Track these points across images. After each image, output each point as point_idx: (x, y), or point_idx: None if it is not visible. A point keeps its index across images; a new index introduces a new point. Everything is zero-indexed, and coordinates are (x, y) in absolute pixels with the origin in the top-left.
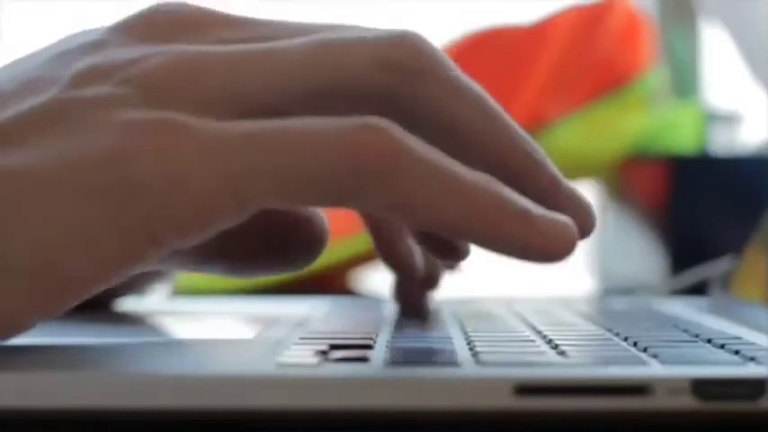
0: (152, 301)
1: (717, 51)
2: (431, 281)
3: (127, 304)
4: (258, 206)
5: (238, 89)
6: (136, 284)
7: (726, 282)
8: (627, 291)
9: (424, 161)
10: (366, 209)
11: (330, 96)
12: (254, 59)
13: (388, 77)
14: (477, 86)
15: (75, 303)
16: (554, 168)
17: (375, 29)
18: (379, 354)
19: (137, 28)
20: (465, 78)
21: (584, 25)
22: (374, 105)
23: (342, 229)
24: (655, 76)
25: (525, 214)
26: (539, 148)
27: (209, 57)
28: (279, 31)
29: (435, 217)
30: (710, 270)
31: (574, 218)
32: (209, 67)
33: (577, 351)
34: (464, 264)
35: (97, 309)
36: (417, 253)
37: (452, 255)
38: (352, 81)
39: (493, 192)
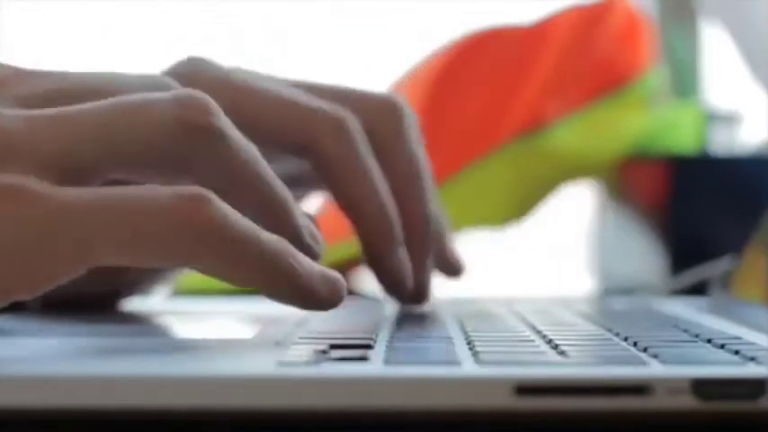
0: (153, 302)
1: (717, 51)
2: (420, 296)
3: (131, 304)
4: (100, 265)
5: (66, 151)
6: (140, 285)
7: (726, 282)
8: (627, 291)
9: (240, 231)
10: (193, 269)
11: (136, 160)
12: (55, 126)
13: (181, 138)
14: (246, 147)
15: None
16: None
17: (168, 84)
18: (379, 354)
19: None
20: (241, 139)
21: (584, 25)
22: (178, 167)
23: (342, 231)
24: (655, 76)
25: (308, 274)
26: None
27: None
28: (75, 89)
29: (247, 279)
30: (710, 270)
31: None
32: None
33: (577, 351)
34: (460, 276)
35: (102, 309)
36: (408, 269)
37: (451, 270)
38: (149, 144)
39: (289, 253)
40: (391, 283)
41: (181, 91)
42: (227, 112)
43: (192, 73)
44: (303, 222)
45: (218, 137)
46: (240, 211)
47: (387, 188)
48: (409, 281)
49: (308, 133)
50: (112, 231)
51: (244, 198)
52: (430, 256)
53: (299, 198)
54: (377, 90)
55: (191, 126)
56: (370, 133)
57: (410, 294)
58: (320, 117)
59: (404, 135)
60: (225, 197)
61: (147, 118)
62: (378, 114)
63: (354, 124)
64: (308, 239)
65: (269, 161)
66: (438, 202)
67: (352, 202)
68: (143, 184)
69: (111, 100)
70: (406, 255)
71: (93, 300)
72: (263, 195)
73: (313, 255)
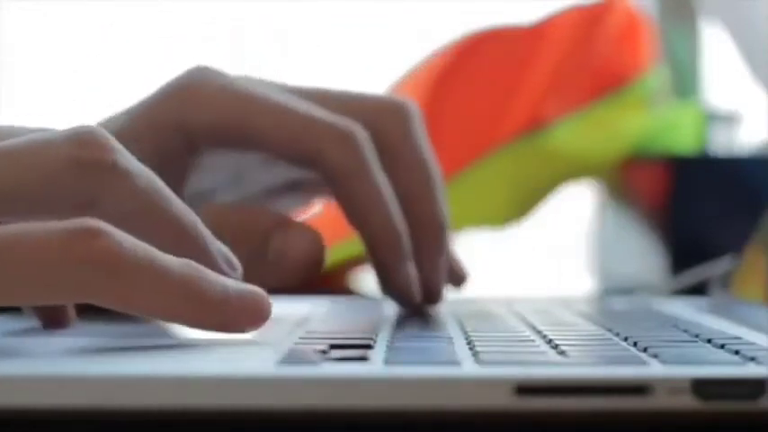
0: None
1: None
2: (433, 298)
3: None
4: None
5: None
6: None
7: (726, 282)
8: (627, 291)
9: (135, 260)
10: (91, 302)
11: (33, 206)
12: None
13: (78, 177)
14: (147, 178)
15: None
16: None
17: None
18: (379, 354)
19: None
20: (140, 168)
21: (583, 25)
22: (79, 206)
23: (342, 231)
24: (655, 76)
25: (223, 295)
26: (195, 227)
27: None
28: None
29: (152, 309)
30: (710, 270)
31: None
32: None
33: (577, 351)
34: (464, 284)
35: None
36: (415, 281)
37: (454, 279)
38: (43, 187)
39: (196, 277)
40: (399, 294)
41: (73, 129)
42: (234, 124)
43: (199, 83)
44: (215, 248)
45: (117, 170)
46: (148, 241)
47: (395, 200)
48: (416, 292)
49: (315, 145)
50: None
51: (151, 229)
52: (444, 257)
53: (300, 205)
54: (383, 94)
55: (86, 163)
56: (378, 138)
57: (422, 298)
58: (327, 129)
59: (412, 138)
60: (132, 230)
61: (40, 161)
62: (385, 119)
63: (362, 135)
64: (223, 264)
65: (272, 165)
66: (447, 205)
67: (359, 214)
68: None
69: (2, 144)
70: (413, 267)
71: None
72: (170, 224)
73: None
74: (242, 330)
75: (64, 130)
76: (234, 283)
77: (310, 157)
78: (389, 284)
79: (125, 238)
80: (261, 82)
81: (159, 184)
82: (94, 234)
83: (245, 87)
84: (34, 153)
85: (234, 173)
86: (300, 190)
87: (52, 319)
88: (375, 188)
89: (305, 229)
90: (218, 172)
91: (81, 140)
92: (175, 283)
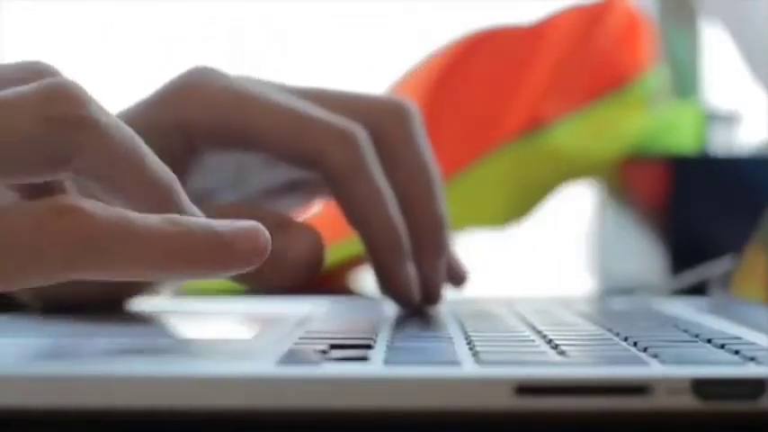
0: (153, 302)
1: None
2: (432, 299)
3: (135, 305)
4: None
5: None
6: (143, 286)
7: (726, 282)
8: (627, 291)
9: (110, 228)
10: (77, 278)
11: (7, 160)
12: None
13: (51, 133)
14: (122, 133)
15: None
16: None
17: (36, 70)
18: (379, 354)
19: None
20: (114, 121)
21: (583, 25)
22: (53, 164)
23: (341, 231)
24: (655, 76)
25: (212, 236)
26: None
27: None
28: None
29: (139, 271)
30: (710, 270)
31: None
32: None
33: (577, 351)
34: (464, 284)
35: (107, 310)
36: (414, 282)
37: (454, 279)
38: (16, 146)
39: (177, 228)
40: (398, 294)
41: (44, 82)
42: (235, 125)
43: (199, 83)
44: (190, 209)
45: (89, 124)
46: (122, 196)
47: (394, 201)
48: (415, 293)
49: (315, 146)
50: None
51: (125, 182)
52: (443, 258)
53: (300, 205)
54: (382, 94)
55: (57, 119)
56: (378, 139)
57: (422, 298)
58: (327, 129)
59: (412, 139)
60: (106, 184)
61: (10, 119)
62: (385, 119)
63: (362, 135)
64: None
65: (273, 165)
66: (446, 205)
67: (359, 215)
68: (19, 188)
69: None
70: (413, 268)
71: (96, 303)
72: (146, 180)
73: None
74: (243, 266)
75: (35, 85)
76: (221, 223)
77: (310, 158)
78: (389, 285)
79: (98, 207)
80: (261, 82)
81: (134, 138)
82: (66, 210)
83: (246, 87)
84: (2, 110)
85: (234, 173)
86: (300, 190)
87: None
88: (375, 189)
89: (305, 229)
90: (219, 172)
91: (51, 95)
92: (156, 241)
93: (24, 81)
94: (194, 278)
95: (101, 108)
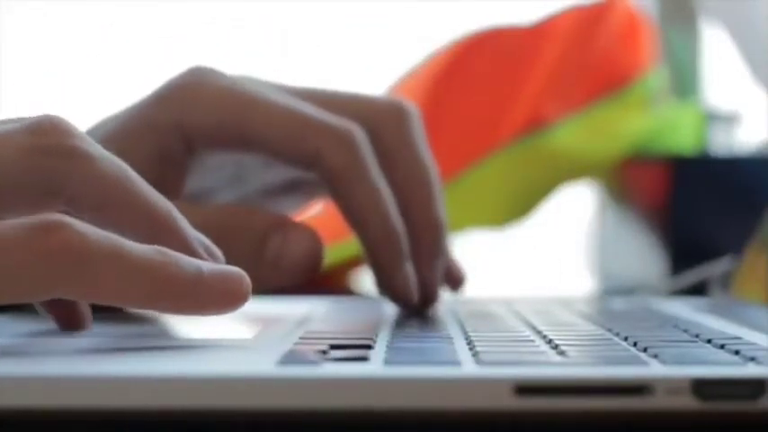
0: None
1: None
2: (429, 300)
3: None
4: None
5: None
6: None
7: (726, 282)
8: (627, 291)
9: (100, 250)
10: (59, 297)
11: None
12: None
13: (41, 165)
14: (113, 163)
15: None
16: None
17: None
18: (379, 354)
19: None
20: (103, 153)
21: (584, 25)
22: (45, 196)
23: (342, 231)
24: (655, 76)
25: (197, 276)
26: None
27: None
28: None
29: (122, 297)
30: (710, 270)
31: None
32: None
33: (577, 351)
34: (463, 287)
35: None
36: (413, 282)
37: (452, 281)
38: (7, 179)
39: (164, 261)
40: (396, 296)
41: (32, 118)
42: (233, 125)
43: (198, 83)
44: (192, 234)
45: (77, 155)
46: (118, 227)
47: (393, 201)
48: (414, 294)
49: (313, 146)
50: None
51: (121, 216)
52: (441, 259)
53: (299, 205)
54: (381, 95)
55: (49, 150)
56: (377, 139)
57: (420, 299)
58: (326, 130)
59: (411, 141)
60: (98, 214)
61: (0, 153)
62: (384, 120)
63: (360, 135)
64: (200, 249)
65: (272, 165)
66: (444, 207)
67: (357, 215)
68: (11, 218)
69: None
70: (411, 268)
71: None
72: (141, 210)
73: None
74: (219, 312)
75: (24, 120)
76: (208, 265)
77: (308, 158)
78: (387, 285)
79: (88, 228)
80: (259, 82)
81: (125, 168)
82: (56, 227)
83: (244, 88)
84: None
85: (233, 172)
86: (300, 190)
87: (67, 321)
88: (373, 189)
89: (303, 229)
90: (218, 172)
91: (40, 128)
92: (143, 270)
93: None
94: (169, 313)
95: (89, 140)
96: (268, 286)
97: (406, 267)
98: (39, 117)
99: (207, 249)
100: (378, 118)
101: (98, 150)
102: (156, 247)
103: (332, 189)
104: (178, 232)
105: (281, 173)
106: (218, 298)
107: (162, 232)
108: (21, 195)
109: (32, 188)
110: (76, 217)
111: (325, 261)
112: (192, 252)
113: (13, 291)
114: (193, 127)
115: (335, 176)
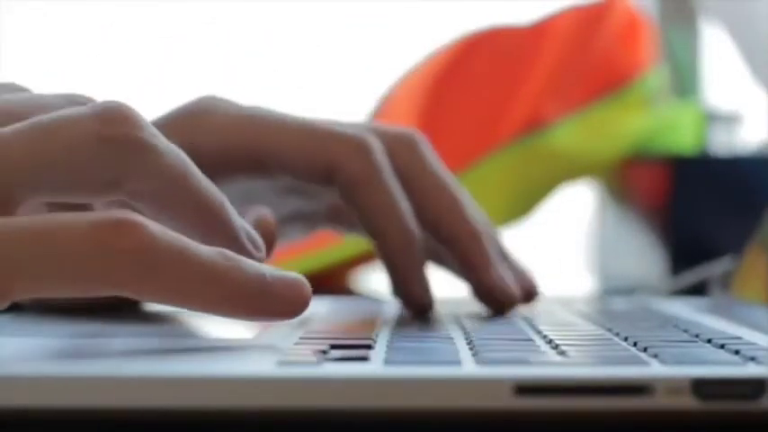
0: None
1: (717, 51)
2: (507, 305)
3: (140, 304)
4: (20, 298)
5: None
6: None
7: (726, 282)
8: (627, 291)
9: (170, 253)
10: (126, 295)
11: (60, 183)
12: None
13: (105, 154)
14: (177, 157)
15: None
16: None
17: (84, 99)
18: (379, 354)
19: None
20: (168, 145)
21: (583, 25)
22: (107, 184)
23: None
24: (655, 76)
25: (260, 282)
26: (223, 210)
27: None
28: None
29: (185, 301)
30: (710, 270)
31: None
32: None
33: (577, 351)
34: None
35: (110, 308)
36: (430, 290)
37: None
38: (71, 165)
39: (229, 266)
40: (413, 301)
41: (100, 104)
42: (246, 147)
43: (207, 110)
44: (241, 226)
45: (143, 147)
46: (175, 220)
47: (409, 207)
48: (430, 298)
49: (330, 158)
50: (32, 268)
51: (177, 206)
52: (494, 264)
53: (302, 235)
54: (389, 125)
55: (113, 140)
56: (395, 162)
57: (492, 307)
58: (341, 140)
59: (429, 161)
60: (158, 207)
61: (67, 138)
62: (399, 144)
63: (376, 145)
64: (248, 244)
65: (280, 194)
66: (483, 217)
67: (375, 222)
68: (73, 204)
69: (27, 122)
70: (427, 275)
71: (97, 304)
72: (197, 201)
73: (253, 259)
74: (283, 318)
75: (91, 105)
76: (271, 270)
77: (325, 170)
78: (405, 291)
79: (159, 229)
80: (268, 108)
81: (187, 161)
82: (130, 226)
83: (254, 111)
84: (60, 129)
85: (240, 203)
86: (303, 221)
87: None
88: (390, 195)
89: (255, 208)
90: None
91: (108, 116)
92: (209, 275)
93: (73, 101)
94: (230, 317)
95: (155, 131)
96: None
97: (423, 273)
98: (108, 104)
99: (252, 240)
100: (391, 141)
101: (163, 143)
102: (221, 250)
103: (349, 198)
104: (230, 226)
105: (289, 203)
106: (281, 304)
107: (215, 225)
108: (84, 183)
109: (97, 177)
110: (133, 206)
111: (276, 241)
112: (241, 247)
113: (79, 286)
114: (203, 151)
115: (353, 185)
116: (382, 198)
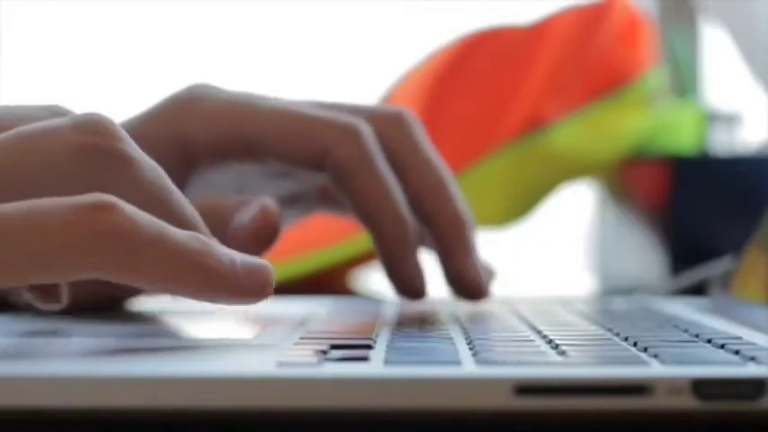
0: (154, 302)
1: (717, 51)
2: (479, 293)
3: (139, 303)
4: (3, 286)
5: None
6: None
7: (726, 282)
8: (627, 291)
9: (148, 233)
10: (98, 278)
11: (37, 190)
12: None
13: (84, 163)
14: (153, 169)
15: None
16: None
17: (65, 111)
18: (379, 354)
19: None
20: (144, 158)
21: (583, 25)
22: (84, 192)
23: (342, 231)
24: (655, 76)
25: (231, 265)
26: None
27: None
28: None
29: (162, 283)
30: (710, 270)
31: None
32: None
33: (577, 351)
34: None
35: (110, 308)
36: (421, 273)
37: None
38: (50, 173)
39: (204, 249)
40: (405, 287)
41: (80, 115)
42: (238, 133)
43: (197, 98)
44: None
45: (124, 158)
46: None
47: (402, 195)
48: (423, 284)
49: (321, 144)
50: (13, 255)
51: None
52: (473, 254)
53: (296, 219)
54: (380, 105)
55: (93, 150)
56: (384, 143)
57: (466, 295)
58: (332, 127)
59: (419, 144)
60: None
61: (48, 148)
62: (389, 125)
63: (366, 130)
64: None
65: (272, 178)
66: (466, 203)
67: (367, 207)
68: None
69: (7, 133)
70: (420, 260)
71: (95, 303)
72: (173, 216)
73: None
74: (249, 301)
75: (72, 117)
76: (240, 255)
77: (316, 156)
78: (397, 275)
79: (136, 211)
80: (258, 95)
81: (163, 175)
82: (108, 207)
83: (245, 98)
84: (41, 139)
85: (234, 187)
86: (297, 204)
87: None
88: (381, 180)
89: (258, 202)
90: (219, 186)
91: (88, 127)
92: (185, 255)
93: (52, 117)
94: (203, 300)
95: (133, 143)
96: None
97: (415, 259)
98: (87, 115)
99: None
100: (381, 123)
101: (141, 155)
102: (194, 233)
103: (341, 184)
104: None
105: (281, 186)
106: (248, 288)
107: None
108: (62, 191)
109: (75, 186)
110: None
111: (279, 231)
112: None
113: (55, 269)
114: (195, 140)
115: (344, 171)
116: (374, 184)
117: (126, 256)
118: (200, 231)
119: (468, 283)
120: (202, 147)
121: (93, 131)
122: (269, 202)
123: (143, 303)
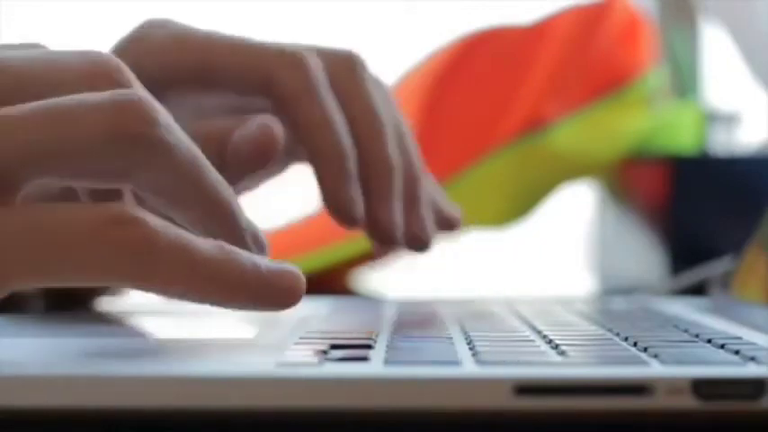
0: (154, 302)
1: (717, 51)
2: (416, 245)
3: (106, 303)
4: (19, 288)
5: None
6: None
7: (726, 282)
8: (627, 291)
9: (169, 247)
10: (122, 286)
11: (67, 169)
12: None
13: (117, 148)
14: (189, 152)
15: None
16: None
17: (106, 68)
18: (379, 354)
19: None
20: (181, 140)
21: (583, 25)
22: (115, 176)
23: (342, 231)
24: (655, 76)
25: (255, 273)
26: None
27: None
28: (5, 86)
29: (183, 294)
30: (710, 270)
31: None
32: None
33: (577, 351)
34: (454, 231)
35: (76, 307)
36: (359, 201)
37: (444, 224)
38: (81, 153)
39: (228, 259)
40: (341, 213)
41: (117, 96)
42: (185, 65)
43: (149, 33)
44: (246, 225)
45: (156, 145)
46: (181, 214)
47: (343, 123)
48: (360, 212)
49: (265, 72)
50: (31, 259)
51: (185, 202)
52: (395, 199)
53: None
54: (332, 46)
55: (127, 136)
56: (331, 79)
57: (383, 242)
58: (278, 55)
59: (362, 84)
60: (165, 201)
61: (82, 126)
62: (338, 63)
63: (313, 60)
64: (251, 244)
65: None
66: (398, 151)
67: (307, 132)
68: (76, 188)
69: (42, 104)
70: (359, 190)
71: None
72: (206, 199)
73: None
74: (277, 309)
75: (109, 96)
76: (266, 262)
77: (261, 84)
78: (332, 200)
79: (159, 224)
80: (213, 30)
81: (198, 156)
82: (130, 221)
83: (197, 30)
84: (74, 119)
85: (190, 120)
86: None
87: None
88: (323, 109)
89: (255, 119)
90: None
91: (125, 110)
92: (209, 266)
93: (92, 81)
94: (225, 308)
95: (169, 126)
96: (237, 185)
97: (353, 186)
98: (124, 97)
99: (256, 239)
100: (330, 61)
101: (177, 139)
102: (218, 243)
103: (284, 113)
104: (235, 225)
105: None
106: (274, 295)
107: (219, 221)
108: (92, 173)
109: (106, 170)
110: (140, 195)
111: (280, 146)
112: (243, 244)
113: (79, 277)
114: (148, 72)
115: (287, 99)
116: (315, 111)
117: (148, 270)
118: (233, 209)
119: (382, 227)
120: (155, 78)
121: (127, 116)
122: (268, 117)
123: (143, 303)
